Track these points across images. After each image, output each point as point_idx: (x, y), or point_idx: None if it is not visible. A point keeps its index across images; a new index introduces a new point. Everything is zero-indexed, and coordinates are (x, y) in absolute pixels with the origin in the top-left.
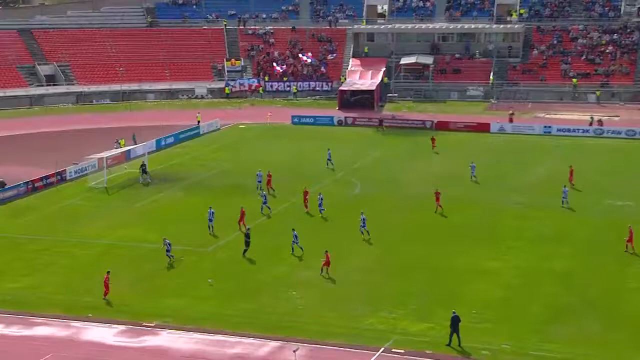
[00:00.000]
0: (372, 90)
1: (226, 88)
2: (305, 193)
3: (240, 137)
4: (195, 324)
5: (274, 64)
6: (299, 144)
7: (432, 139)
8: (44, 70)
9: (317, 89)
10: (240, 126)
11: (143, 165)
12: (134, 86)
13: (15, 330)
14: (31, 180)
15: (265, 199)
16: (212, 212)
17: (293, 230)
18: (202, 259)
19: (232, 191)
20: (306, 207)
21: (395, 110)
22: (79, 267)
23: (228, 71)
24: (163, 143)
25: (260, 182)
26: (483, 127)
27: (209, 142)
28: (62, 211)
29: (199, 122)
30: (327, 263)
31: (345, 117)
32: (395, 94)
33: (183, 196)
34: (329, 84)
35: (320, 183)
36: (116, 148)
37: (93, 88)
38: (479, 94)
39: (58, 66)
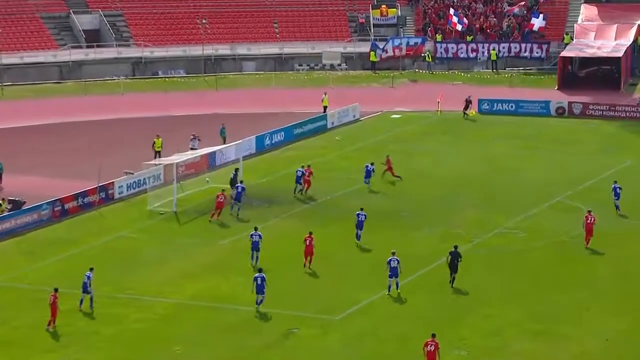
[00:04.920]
0: (618, 58)
1: (372, 53)
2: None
3: (393, 133)
4: None
5: (451, 14)
6: (490, 147)
7: (388, 161)
8: (83, 22)
9: (523, 54)
10: (393, 115)
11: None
12: (224, 49)
13: None
14: (59, 199)
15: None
16: (259, 236)
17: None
18: (326, 333)
19: (378, 222)
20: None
21: None
22: (132, 341)
23: (375, 26)
24: (268, 142)
25: (369, 177)
26: None
27: (342, 142)
28: (107, 250)
29: (325, 108)
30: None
31: (570, 103)
32: None
33: (298, 227)
34: (543, 47)
35: (527, 212)
36: (192, 148)
37: (159, 52)
38: None
39: (105, 17)
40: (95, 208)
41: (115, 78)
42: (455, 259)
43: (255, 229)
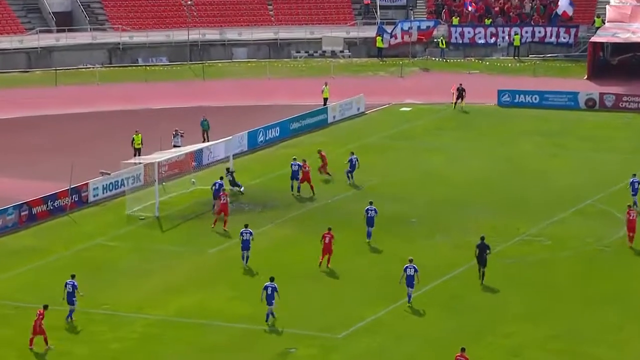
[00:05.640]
0: None
1: (378, 38)
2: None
3: (402, 128)
4: None
5: None
6: (511, 144)
7: (322, 157)
8: (53, 4)
9: (549, 40)
10: (403, 108)
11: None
12: (212, 34)
13: None
14: (26, 203)
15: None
16: (250, 233)
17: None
18: (327, 353)
19: (384, 229)
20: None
21: None
22: None
23: (382, 8)
24: (261, 138)
25: (353, 170)
26: None
27: (344, 138)
28: (80, 260)
29: (326, 100)
30: None
31: (602, 94)
32: None
33: (295, 234)
34: (571, 31)
35: (553, 217)
36: (175, 145)
37: (139, 37)
38: None
39: None
40: (67, 213)
41: (89, 66)
42: (483, 251)
43: (246, 226)
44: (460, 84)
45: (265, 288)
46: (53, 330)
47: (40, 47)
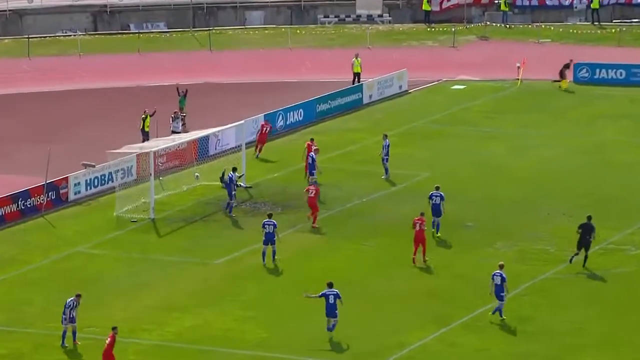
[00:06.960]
0: None
1: (425, 1)
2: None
3: (454, 110)
4: None
5: None
6: (590, 130)
7: (262, 133)
8: None
9: (637, 1)
10: (455, 86)
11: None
12: None
13: None
14: None
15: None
16: (274, 225)
17: None
18: None
19: (447, 239)
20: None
21: None
22: None
23: None
24: (280, 123)
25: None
26: None
27: (383, 122)
28: (58, 271)
29: (357, 75)
30: None
31: None
32: None
33: (322, 242)
34: None
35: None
36: (175, 130)
37: None
38: None
39: None
40: (43, 214)
41: (69, 34)
42: (587, 233)
43: (269, 216)
44: (571, 60)
45: (326, 297)
46: (21, 358)
47: (9, 10)
